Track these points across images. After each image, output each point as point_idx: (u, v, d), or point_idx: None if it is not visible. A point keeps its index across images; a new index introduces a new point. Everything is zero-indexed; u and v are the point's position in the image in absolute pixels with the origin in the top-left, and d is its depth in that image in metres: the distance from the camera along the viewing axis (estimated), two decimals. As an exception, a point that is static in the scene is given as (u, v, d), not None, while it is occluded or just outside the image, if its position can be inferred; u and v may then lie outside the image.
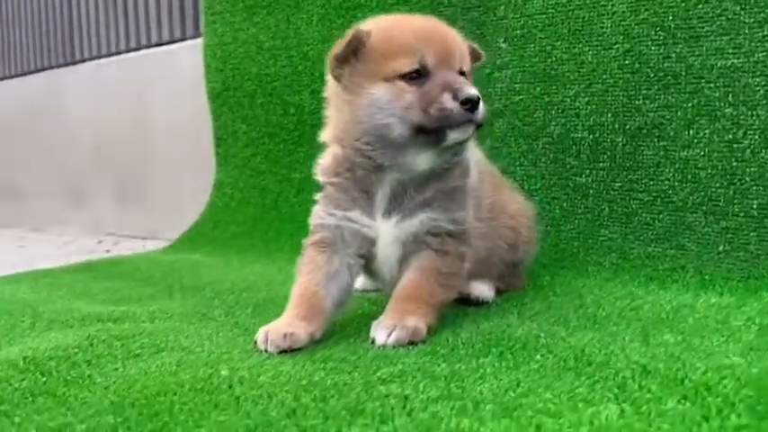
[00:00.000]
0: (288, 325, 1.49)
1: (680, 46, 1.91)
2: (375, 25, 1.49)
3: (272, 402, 1.13)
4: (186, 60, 3.68)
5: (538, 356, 1.33)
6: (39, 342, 1.59)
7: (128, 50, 4.15)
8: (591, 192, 2.13)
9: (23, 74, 5.10)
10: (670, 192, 1.97)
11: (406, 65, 1.43)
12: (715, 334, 1.41)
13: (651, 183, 2.01)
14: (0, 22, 5.37)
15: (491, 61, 2.32)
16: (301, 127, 2.97)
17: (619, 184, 2.07)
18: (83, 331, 1.67)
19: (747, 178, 1.83)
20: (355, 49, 1.47)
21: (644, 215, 2.03)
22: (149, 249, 3.51)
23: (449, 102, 1.40)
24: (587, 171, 2.13)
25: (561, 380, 1.19)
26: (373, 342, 1.47)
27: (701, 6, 1.87)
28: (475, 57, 1.58)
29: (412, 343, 1.46)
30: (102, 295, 2.21)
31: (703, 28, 1.86)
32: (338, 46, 1.47)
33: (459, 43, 1.51)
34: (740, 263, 1.84)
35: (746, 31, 1.79)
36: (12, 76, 5.24)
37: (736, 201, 1.86)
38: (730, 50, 1.82)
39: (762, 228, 1.81)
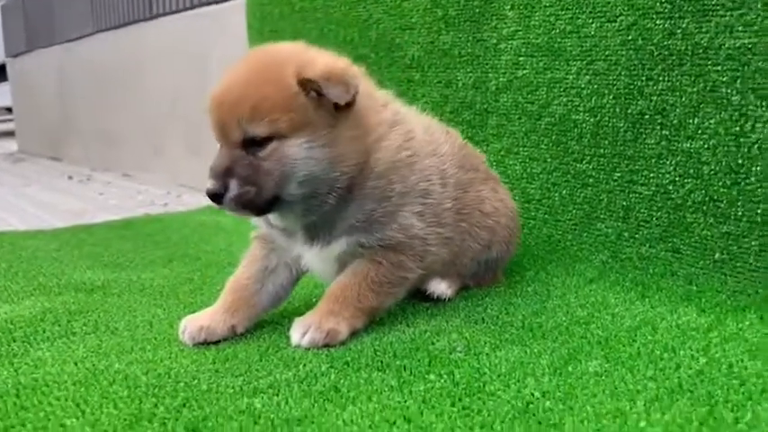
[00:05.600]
0: (208, 317, 1.50)
1: (686, 21, 1.65)
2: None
3: (129, 407, 1.15)
4: (241, 19, 3.69)
5: (432, 376, 1.25)
6: (4, 310, 1.71)
7: (193, 6, 4.24)
8: (591, 180, 1.94)
9: (113, 27, 5.38)
10: (670, 187, 1.75)
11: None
12: (648, 366, 1.26)
13: (652, 175, 1.79)
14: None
15: (498, 31, 2.14)
16: (328, 92, 2.91)
17: (619, 174, 1.86)
18: (50, 301, 1.78)
19: (753, 178, 1.58)
20: None
21: (642, 211, 1.81)
22: (199, 206, 3.64)
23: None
24: (588, 157, 1.93)
25: (430, 409, 1.12)
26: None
27: (716, -26, 1.60)
28: (311, 89, 1.36)
29: (327, 345, 1.43)
30: (107, 258, 2.33)
31: (712, 1, 1.59)
32: None
33: (238, 110, 1.33)
34: (736, 275, 1.61)
35: (759, 7, 1.51)
36: (104, 30, 5.54)
37: (739, 203, 1.61)
38: (740, 28, 1.55)
39: (765, 237, 1.57)
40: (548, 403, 1.12)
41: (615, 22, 1.80)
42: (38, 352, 1.43)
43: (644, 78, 1.76)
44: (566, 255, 1.95)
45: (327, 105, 1.37)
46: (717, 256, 1.65)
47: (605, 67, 1.84)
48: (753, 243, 1.59)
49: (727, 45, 1.58)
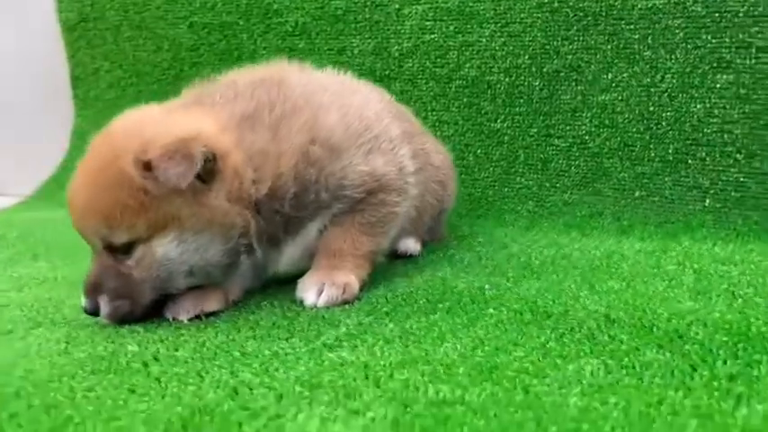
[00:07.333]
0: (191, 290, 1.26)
1: (602, -16, 1.85)
2: None
3: (204, 381, 0.93)
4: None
5: (491, 310, 1.21)
6: None
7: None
8: (506, 138, 2.05)
9: None
10: (587, 137, 1.93)
11: None
12: (656, 279, 1.38)
13: (568, 128, 1.95)
14: None
15: (400, -4, 2.15)
16: (178, 65, 2.64)
17: (535, 130, 2.00)
18: (-73, 305, 1.34)
19: (664, 123, 1.82)
20: None
21: (560, 161, 1.98)
22: (22, 200, 3.02)
23: None
24: (503, 116, 2.04)
25: (526, 334, 1.09)
26: (302, 303, 1.29)
27: (621, -56, 1.81)
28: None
29: (346, 302, 1.30)
30: (-56, 260, 1.82)
31: (626, -34, 1.81)
32: None
33: (90, 219, 1.15)
34: (656, 208, 1.84)
35: (670, -29, 1.76)
36: None
37: (652, 146, 1.85)
38: (653, -10, 1.79)
39: (676, 173, 1.82)
40: (629, 313, 1.15)
41: (531, -15, 1.94)
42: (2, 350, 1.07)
43: (560, 39, 1.92)
44: (491, 209, 2.04)
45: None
46: (636, 194, 1.87)
47: (520, 29, 1.97)
48: (666, 179, 1.84)
49: (639, 6, 1.80)
